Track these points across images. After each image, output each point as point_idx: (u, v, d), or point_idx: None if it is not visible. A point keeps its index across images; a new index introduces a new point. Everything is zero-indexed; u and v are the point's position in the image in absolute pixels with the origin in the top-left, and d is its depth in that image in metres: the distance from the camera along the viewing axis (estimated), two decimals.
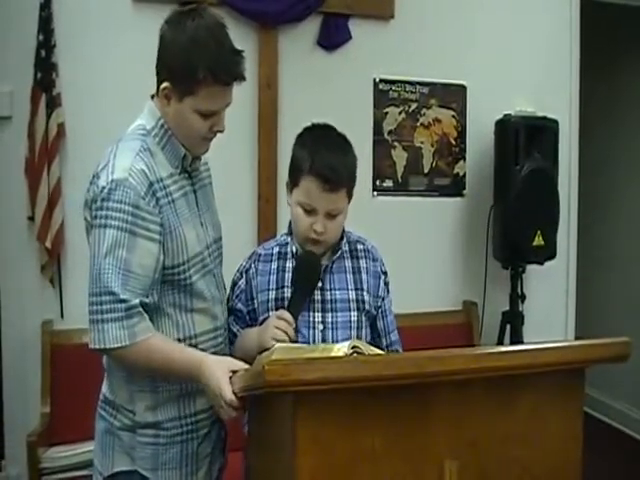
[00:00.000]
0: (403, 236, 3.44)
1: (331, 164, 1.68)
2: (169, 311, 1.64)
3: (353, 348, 1.42)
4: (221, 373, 1.48)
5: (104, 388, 1.76)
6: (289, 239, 1.83)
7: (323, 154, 1.69)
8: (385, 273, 1.89)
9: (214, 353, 1.66)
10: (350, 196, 1.78)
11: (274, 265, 1.81)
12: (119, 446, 1.68)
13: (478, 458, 1.33)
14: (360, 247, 1.87)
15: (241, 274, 1.85)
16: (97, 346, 1.53)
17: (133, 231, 1.52)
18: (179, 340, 1.64)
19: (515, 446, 1.37)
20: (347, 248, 1.84)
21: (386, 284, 1.89)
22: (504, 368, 1.32)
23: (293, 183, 1.75)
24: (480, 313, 3.56)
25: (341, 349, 1.42)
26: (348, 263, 1.83)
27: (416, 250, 3.50)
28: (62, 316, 3.00)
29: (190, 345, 1.64)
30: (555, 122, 3.43)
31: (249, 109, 3.17)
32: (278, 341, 1.63)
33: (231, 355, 1.71)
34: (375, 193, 3.46)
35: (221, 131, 1.67)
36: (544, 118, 3.45)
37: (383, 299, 1.87)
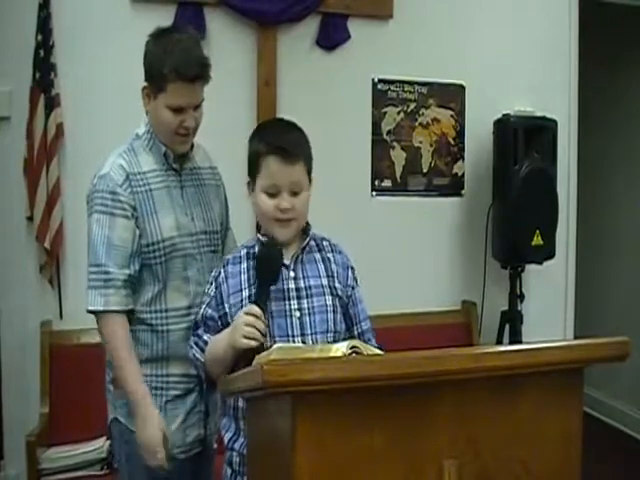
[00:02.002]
0: (402, 236, 3.44)
1: (285, 138, 1.76)
2: (146, 286, 1.91)
3: (352, 348, 1.42)
4: (157, 433, 1.81)
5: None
6: (255, 240, 1.83)
7: (275, 134, 1.79)
8: (352, 268, 1.91)
9: (187, 329, 1.89)
10: (310, 174, 1.80)
11: (244, 265, 1.79)
12: (109, 397, 1.99)
13: (477, 458, 1.33)
14: (325, 243, 1.90)
15: (210, 283, 1.83)
16: (86, 309, 1.86)
17: (112, 212, 1.85)
18: (151, 312, 1.91)
19: (514, 446, 1.37)
20: (314, 243, 1.87)
21: (355, 278, 1.90)
22: (503, 368, 1.32)
23: (254, 173, 1.82)
24: (479, 313, 3.56)
25: (340, 349, 1.42)
26: (317, 255, 1.85)
27: (415, 250, 3.49)
28: (61, 316, 3.00)
29: (161, 318, 1.91)
30: (554, 122, 3.44)
31: (248, 108, 3.17)
32: (249, 339, 1.60)
33: (203, 363, 1.76)
34: (374, 193, 3.46)
35: (190, 128, 1.91)
36: (543, 118, 3.45)
37: (353, 288, 1.88)
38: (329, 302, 1.79)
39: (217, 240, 2.09)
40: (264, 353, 1.56)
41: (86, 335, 2.87)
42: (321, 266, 1.83)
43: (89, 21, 2.99)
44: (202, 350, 1.76)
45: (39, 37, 2.87)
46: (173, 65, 1.81)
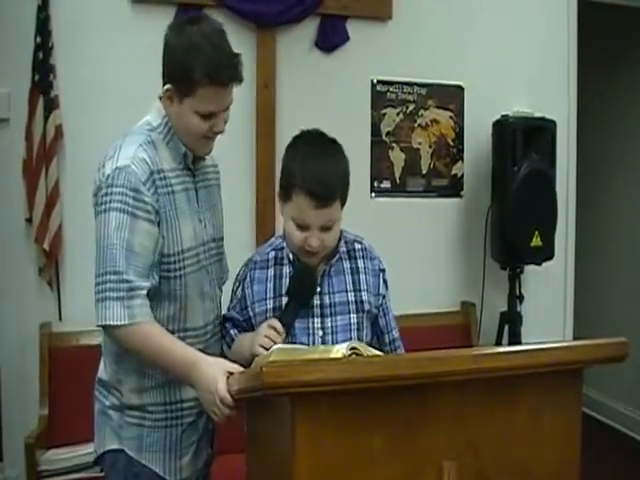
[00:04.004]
0: (401, 237, 3.44)
1: (322, 179, 1.63)
2: (163, 302, 1.69)
3: (351, 349, 1.42)
4: (217, 372, 1.51)
5: (99, 370, 1.82)
6: (284, 243, 1.81)
7: (314, 168, 1.65)
8: (383, 270, 1.87)
9: (202, 350, 1.69)
10: (344, 202, 1.75)
11: (270, 272, 1.79)
12: (109, 425, 1.76)
13: (477, 459, 1.34)
14: (358, 247, 1.85)
15: (239, 282, 1.84)
16: (99, 322, 1.59)
17: (134, 213, 1.59)
18: (168, 332, 1.66)
19: (513, 447, 1.37)
20: (344, 249, 1.82)
21: (385, 281, 1.87)
22: (502, 369, 1.32)
23: (285, 196, 1.72)
24: (478, 314, 3.56)
25: (339, 350, 1.42)
26: (346, 264, 1.81)
27: (414, 251, 3.50)
28: (60, 318, 3.00)
29: (179, 338, 1.67)
30: (553, 123, 3.44)
31: (247, 110, 3.17)
32: (266, 349, 1.63)
33: (225, 357, 1.75)
34: (373, 194, 3.46)
35: (221, 132, 1.71)
36: (542, 119, 3.45)
37: (384, 297, 1.85)
38: (353, 320, 1.77)
39: (222, 247, 1.91)
40: (264, 354, 1.56)
41: (85, 337, 2.87)
42: (349, 278, 1.80)
43: (88, 22, 2.98)
44: (228, 345, 1.84)
45: (38, 39, 2.87)
46: (205, 68, 1.59)
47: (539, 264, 3.44)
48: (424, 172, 3.54)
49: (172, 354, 1.57)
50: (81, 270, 2.91)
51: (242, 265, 1.88)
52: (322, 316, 1.75)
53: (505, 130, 3.36)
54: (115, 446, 1.74)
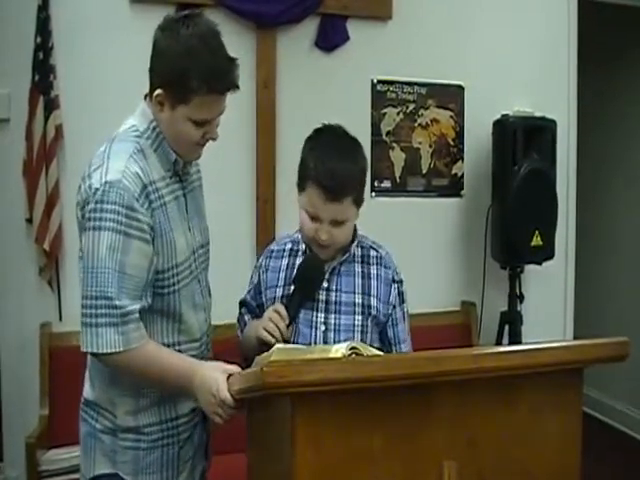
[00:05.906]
0: (401, 237, 3.42)
1: (336, 174, 1.64)
2: (156, 316, 1.63)
3: (351, 349, 1.42)
4: (217, 374, 1.50)
5: (85, 390, 1.74)
6: (301, 236, 1.84)
7: (329, 163, 1.65)
8: (400, 282, 1.85)
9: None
10: (359, 202, 1.74)
11: (284, 262, 1.84)
12: (100, 449, 1.68)
13: (477, 458, 1.34)
14: (373, 254, 1.84)
15: (256, 269, 1.91)
16: (90, 350, 1.52)
17: (127, 233, 1.51)
18: (163, 345, 1.63)
19: (514, 446, 1.37)
20: (359, 253, 1.82)
21: (400, 293, 1.84)
22: (503, 368, 1.32)
23: (300, 186, 1.74)
24: (478, 313, 3.56)
25: (339, 350, 1.42)
26: (358, 268, 1.81)
27: (414, 251, 3.49)
28: (60, 318, 2.99)
29: (175, 351, 1.64)
30: (553, 122, 3.44)
31: (247, 110, 3.17)
32: (268, 332, 1.69)
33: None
34: (373, 194, 3.46)
35: (214, 139, 1.66)
36: (542, 118, 3.45)
37: (394, 307, 1.82)
38: (357, 322, 1.76)
39: (209, 252, 1.83)
40: (265, 354, 1.57)
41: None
42: (358, 281, 1.79)
43: (88, 22, 2.98)
44: (241, 330, 1.90)
45: (38, 39, 2.86)
46: (202, 76, 1.51)
47: (539, 264, 3.44)
48: (424, 172, 3.54)
49: (173, 369, 1.55)
50: None
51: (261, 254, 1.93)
52: (326, 312, 1.76)
53: (505, 130, 3.36)
54: (108, 470, 1.67)
